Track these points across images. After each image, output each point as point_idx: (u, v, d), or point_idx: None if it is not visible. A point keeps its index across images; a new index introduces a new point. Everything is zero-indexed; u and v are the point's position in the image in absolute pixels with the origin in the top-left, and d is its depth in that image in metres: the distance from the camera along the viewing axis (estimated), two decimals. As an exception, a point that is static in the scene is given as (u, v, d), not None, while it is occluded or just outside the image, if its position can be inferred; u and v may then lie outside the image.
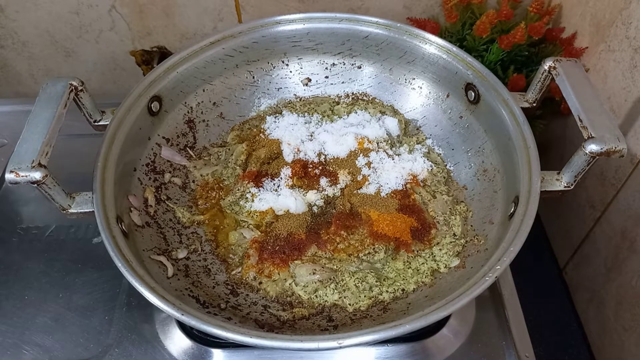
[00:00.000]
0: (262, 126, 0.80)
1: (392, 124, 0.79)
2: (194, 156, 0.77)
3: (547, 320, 0.96)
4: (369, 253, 0.66)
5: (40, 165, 0.56)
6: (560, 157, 0.97)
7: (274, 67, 0.83)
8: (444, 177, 0.75)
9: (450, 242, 0.67)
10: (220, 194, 0.73)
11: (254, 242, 0.68)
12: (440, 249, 0.67)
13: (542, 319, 0.95)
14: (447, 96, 0.78)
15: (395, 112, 0.82)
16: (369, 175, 0.73)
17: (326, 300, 0.63)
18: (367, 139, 0.76)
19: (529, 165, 0.61)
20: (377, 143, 0.77)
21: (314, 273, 0.64)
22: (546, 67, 0.66)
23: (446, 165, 0.77)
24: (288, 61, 0.83)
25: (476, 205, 0.71)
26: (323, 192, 0.72)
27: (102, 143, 0.64)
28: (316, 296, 0.63)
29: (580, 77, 0.64)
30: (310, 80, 0.85)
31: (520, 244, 0.55)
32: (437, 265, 0.66)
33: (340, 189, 0.73)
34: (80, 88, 0.65)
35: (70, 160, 0.72)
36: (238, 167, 0.75)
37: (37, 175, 0.55)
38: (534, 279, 0.97)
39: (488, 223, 0.66)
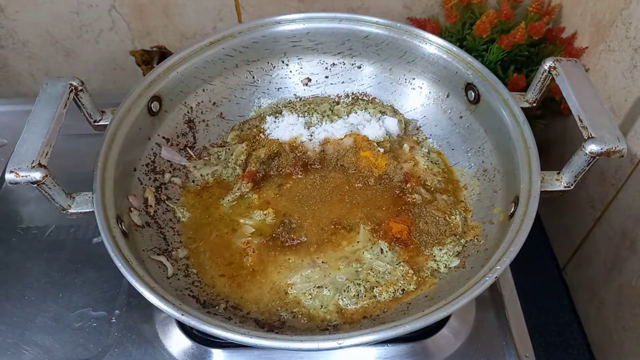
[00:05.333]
0: (262, 126, 0.80)
1: (392, 124, 0.79)
2: (194, 156, 0.77)
3: (547, 320, 0.96)
4: (368, 253, 0.66)
5: (40, 165, 0.55)
6: (560, 157, 0.97)
7: (274, 67, 0.83)
8: (444, 177, 0.75)
9: (450, 242, 0.67)
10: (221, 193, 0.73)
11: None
12: (440, 249, 0.67)
13: (542, 319, 0.95)
14: (447, 96, 0.78)
15: (395, 112, 0.82)
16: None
17: (327, 301, 0.63)
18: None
19: (529, 165, 0.61)
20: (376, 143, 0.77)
21: (312, 274, 0.64)
22: (546, 67, 0.66)
23: (446, 165, 0.77)
24: (288, 61, 0.83)
25: (476, 205, 0.71)
26: (323, 192, 0.72)
27: (102, 143, 0.64)
28: (317, 297, 0.63)
29: (580, 77, 0.64)
30: (310, 80, 0.85)
31: (520, 244, 0.55)
32: (437, 265, 0.66)
33: (340, 189, 0.73)
34: (80, 88, 0.65)
35: (70, 160, 0.72)
36: (238, 167, 0.75)
37: (37, 175, 0.55)
38: (534, 279, 0.97)
39: (488, 223, 0.66)
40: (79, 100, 0.66)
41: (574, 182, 0.61)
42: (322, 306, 0.62)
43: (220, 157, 0.78)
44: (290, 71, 0.84)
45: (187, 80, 0.76)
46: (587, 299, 0.93)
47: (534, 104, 0.70)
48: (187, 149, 0.77)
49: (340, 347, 0.50)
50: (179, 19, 0.98)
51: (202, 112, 0.79)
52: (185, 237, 0.69)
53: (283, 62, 0.83)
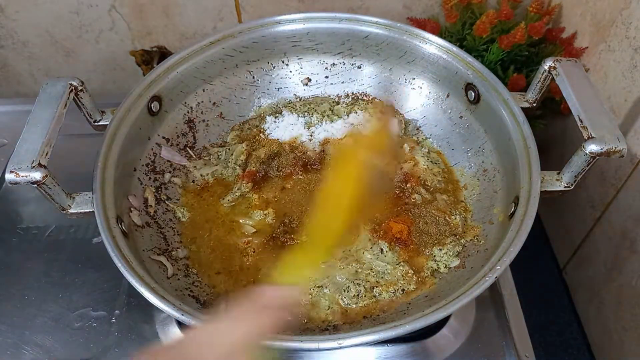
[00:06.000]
0: (262, 126, 0.80)
1: (392, 124, 0.79)
2: (194, 156, 0.77)
3: (547, 320, 0.96)
4: (368, 253, 0.66)
5: (40, 165, 0.55)
6: (560, 157, 0.97)
7: (274, 67, 0.83)
8: (444, 177, 0.75)
9: (451, 242, 0.67)
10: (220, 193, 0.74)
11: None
12: (440, 249, 0.67)
13: (542, 319, 0.95)
14: (447, 96, 0.78)
15: (395, 112, 0.82)
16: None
17: (327, 301, 0.63)
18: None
19: (529, 165, 0.61)
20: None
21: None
22: (546, 67, 0.66)
23: (446, 165, 0.77)
24: (288, 61, 0.83)
25: (476, 205, 0.71)
26: (323, 192, 0.72)
27: (102, 143, 0.64)
28: (317, 297, 0.63)
29: (580, 77, 0.64)
30: (310, 80, 0.85)
31: (520, 244, 0.55)
32: (437, 265, 0.66)
33: (340, 189, 0.73)
34: (80, 88, 0.65)
35: (70, 160, 0.72)
36: (238, 167, 0.75)
37: (37, 175, 0.55)
38: (534, 279, 0.97)
39: (488, 223, 0.66)
40: (79, 100, 0.66)
41: (574, 182, 0.61)
42: (322, 306, 0.62)
43: (220, 157, 0.78)
44: (290, 71, 0.84)
45: (187, 80, 0.76)
46: (587, 299, 0.93)
47: (534, 104, 0.70)
48: (187, 149, 0.77)
49: (340, 347, 0.50)
50: (179, 19, 0.98)
51: (202, 112, 0.79)
52: (185, 237, 0.69)
53: (283, 62, 0.83)
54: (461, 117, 0.77)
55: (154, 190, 0.70)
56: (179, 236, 0.69)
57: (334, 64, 0.84)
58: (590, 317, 0.92)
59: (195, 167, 0.76)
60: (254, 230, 0.69)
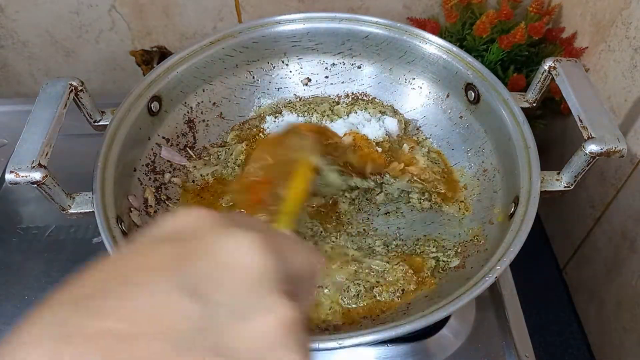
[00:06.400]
0: (262, 126, 0.80)
1: (392, 124, 0.79)
2: (194, 156, 0.77)
3: (547, 320, 0.96)
4: (368, 251, 0.66)
5: (40, 165, 0.55)
6: (560, 157, 0.97)
7: (274, 67, 0.83)
8: (444, 177, 0.75)
9: (450, 242, 0.67)
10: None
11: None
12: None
13: (542, 319, 0.95)
14: (447, 96, 0.78)
15: (395, 112, 0.82)
16: (369, 175, 0.73)
17: (328, 302, 0.63)
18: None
19: (529, 165, 0.61)
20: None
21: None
22: (546, 67, 0.66)
23: (446, 165, 0.77)
24: (288, 61, 0.83)
25: (476, 205, 0.71)
26: (323, 192, 0.72)
27: (102, 143, 0.64)
28: (317, 297, 0.63)
29: (580, 77, 0.64)
30: (310, 80, 0.85)
31: (520, 244, 0.55)
32: (437, 265, 0.65)
33: (340, 189, 0.73)
34: (80, 88, 0.65)
35: (70, 160, 0.72)
36: (237, 167, 0.75)
37: (37, 175, 0.55)
38: (534, 279, 0.97)
39: (488, 223, 0.66)
40: (79, 101, 0.66)
41: (574, 182, 0.61)
42: (324, 307, 0.62)
43: (220, 157, 0.78)
44: (290, 71, 0.84)
45: (187, 80, 0.76)
46: (587, 299, 0.93)
47: (534, 104, 0.70)
48: (187, 149, 0.77)
49: (341, 347, 0.50)
50: (179, 19, 0.98)
51: (202, 112, 0.79)
52: (185, 237, 0.69)
53: (283, 62, 0.83)
54: (461, 117, 0.77)
55: (154, 191, 0.70)
56: (179, 236, 0.69)
57: (334, 64, 0.84)
58: (590, 317, 0.92)
59: (195, 167, 0.76)
60: (254, 230, 0.69)
